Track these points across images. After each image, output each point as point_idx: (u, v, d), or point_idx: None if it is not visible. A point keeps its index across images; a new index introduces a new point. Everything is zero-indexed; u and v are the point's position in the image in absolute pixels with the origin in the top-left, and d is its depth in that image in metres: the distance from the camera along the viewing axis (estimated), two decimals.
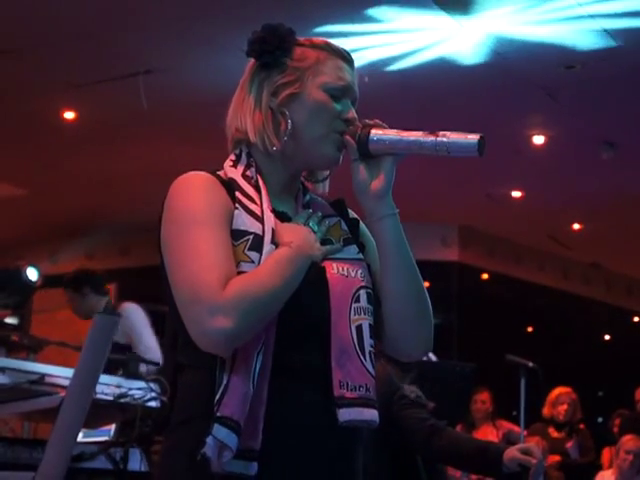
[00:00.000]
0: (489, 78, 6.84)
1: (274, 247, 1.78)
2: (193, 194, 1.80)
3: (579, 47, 6.31)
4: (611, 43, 6.21)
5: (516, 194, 9.67)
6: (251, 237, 1.77)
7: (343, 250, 1.88)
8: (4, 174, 9.36)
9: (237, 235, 1.77)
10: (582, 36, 6.16)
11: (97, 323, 3.12)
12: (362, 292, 1.84)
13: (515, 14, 5.89)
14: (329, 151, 1.89)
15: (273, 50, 1.87)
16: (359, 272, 1.86)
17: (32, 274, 4.62)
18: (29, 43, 6.42)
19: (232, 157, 1.90)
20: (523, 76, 6.81)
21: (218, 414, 1.68)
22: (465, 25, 5.99)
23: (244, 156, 1.90)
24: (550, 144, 8.11)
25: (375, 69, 6.55)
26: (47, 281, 6.64)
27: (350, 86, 1.91)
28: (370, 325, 1.83)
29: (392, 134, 1.85)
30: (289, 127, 1.86)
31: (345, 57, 1.93)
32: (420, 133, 1.83)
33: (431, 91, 6.98)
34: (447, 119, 7.43)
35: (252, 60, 1.92)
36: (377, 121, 1.88)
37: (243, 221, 1.79)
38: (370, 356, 1.81)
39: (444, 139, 1.81)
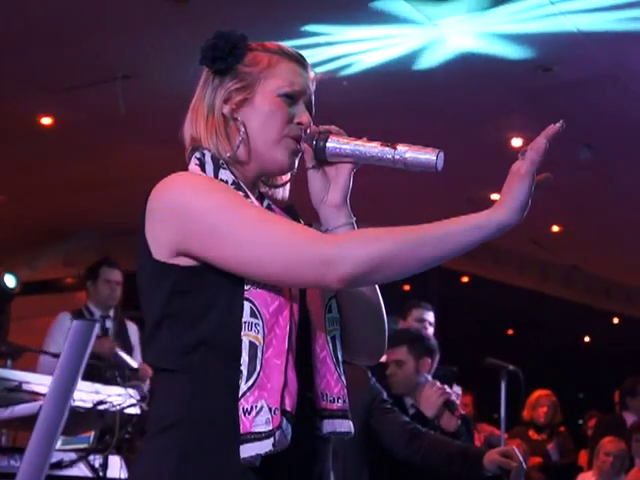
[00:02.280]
0: (466, 81, 6.84)
1: None
2: (209, 185, 1.78)
3: (555, 49, 6.33)
4: (587, 46, 6.22)
5: (495, 197, 9.64)
6: None
7: None
8: None
9: None
10: (558, 38, 6.17)
11: (75, 330, 3.10)
12: (333, 302, 1.85)
13: (491, 16, 5.89)
14: (282, 157, 1.87)
15: (225, 56, 1.86)
16: None
17: (10, 281, 4.61)
18: (3, 47, 6.38)
19: (195, 162, 1.86)
20: (500, 79, 6.82)
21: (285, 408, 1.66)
22: (442, 27, 6.00)
23: (209, 159, 1.86)
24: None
25: (351, 73, 6.56)
26: (25, 288, 6.60)
27: (304, 90, 1.90)
28: (340, 335, 1.84)
29: (350, 142, 1.84)
30: (241, 133, 1.85)
31: (299, 60, 1.92)
32: (379, 144, 1.82)
33: (408, 94, 6.99)
34: (424, 122, 7.45)
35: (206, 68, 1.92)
36: (334, 127, 1.87)
37: None
38: (342, 366, 1.83)
39: (402, 154, 1.80)
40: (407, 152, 1.79)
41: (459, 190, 9.33)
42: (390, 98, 6.98)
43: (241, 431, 1.66)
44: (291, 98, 1.88)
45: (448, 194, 9.48)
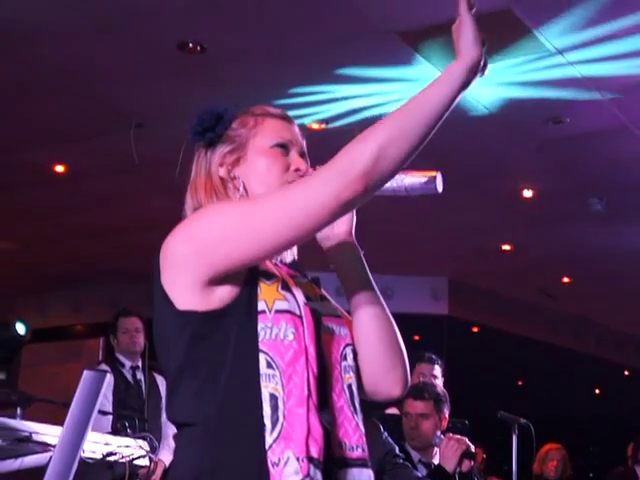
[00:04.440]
0: (477, 132, 6.87)
1: (301, 291, 1.80)
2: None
3: (566, 100, 6.35)
4: (597, 97, 6.25)
5: (505, 247, 9.69)
6: (280, 279, 1.79)
7: (323, 307, 1.89)
8: None
9: (268, 275, 1.79)
10: (569, 89, 6.20)
11: (86, 379, 3.09)
12: (348, 350, 1.86)
13: (502, 68, 5.93)
14: None
15: (213, 126, 1.93)
16: (342, 329, 1.88)
17: (20, 329, 4.60)
18: (17, 96, 6.43)
19: None
20: (512, 130, 6.85)
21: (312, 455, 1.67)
22: None
23: None
24: (539, 198, 8.14)
25: (366, 119, 6.58)
26: (36, 335, 6.59)
27: (295, 140, 1.95)
28: (357, 383, 1.86)
29: None
30: (240, 189, 1.89)
31: (283, 117, 1.97)
32: None
33: (423, 147, 7.01)
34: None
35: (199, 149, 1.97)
36: None
37: (267, 265, 1.82)
38: (361, 415, 1.83)
39: (402, 180, 1.82)
40: (406, 178, 1.83)
41: (470, 239, 9.34)
42: None
43: None
44: (284, 148, 1.92)
45: (458, 243, 9.49)
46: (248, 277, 1.77)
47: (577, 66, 5.86)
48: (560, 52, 5.68)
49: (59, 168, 7.73)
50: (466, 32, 1.73)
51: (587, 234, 9.02)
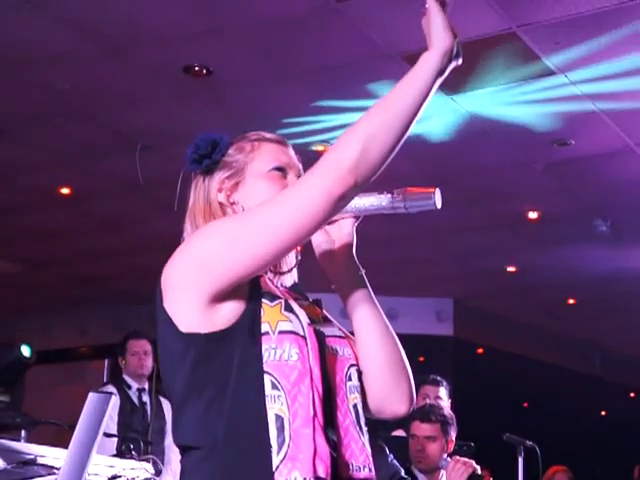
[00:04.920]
0: (483, 153, 6.88)
1: (304, 313, 1.80)
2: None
3: (571, 123, 6.36)
4: (602, 119, 6.26)
5: (511, 269, 9.68)
6: (282, 301, 1.79)
7: (327, 328, 1.89)
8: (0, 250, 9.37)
9: (271, 297, 1.79)
10: (574, 111, 6.21)
11: (91, 401, 3.08)
12: (352, 370, 1.87)
13: (509, 91, 5.94)
14: None
15: (209, 153, 1.94)
16: (345, 350, 1.88)
17: (25, 351, 4.60)
18: (24, 121, 6.46)
19: None
20: (517, 152, 6.86)
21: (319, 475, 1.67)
22: (460, 102, 6.05)
23: None
24: (544, 219, 8.14)
25: None
26: (41, 356, 6.58)
27: (292, 163, 1.96)
28: (362, 403, 1.86)
29: None
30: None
31: (279, 141, 1.99)
32: (375, 193, 1.88)
33: (424, 166, 7.02)
34: (443, 195, 7.46)
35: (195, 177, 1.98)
36: None
37: (269, 287, 1.83)
38: (367, 435, 1.84)
39: (400, 197, 1.84)
40: (405, 195, 1.84)
41: (475, 260, 9.34)
42: (407, 170, 7.02)
43: None
44: (282, 171, 1.94)
45: (463, 264, 9.48)
46: (251, 299, 1.77)
47: (581, 88, 5.87)
48: (564, 74, 5.70)
49: (65, 190, 7.75)
50: (435, 21, 1.75)
51: (592, 255, 9.01)
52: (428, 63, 1.74)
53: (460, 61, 1.77)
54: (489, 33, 5.26)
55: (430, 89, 1.73)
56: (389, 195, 1.86)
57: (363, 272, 1.94)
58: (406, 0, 4.79)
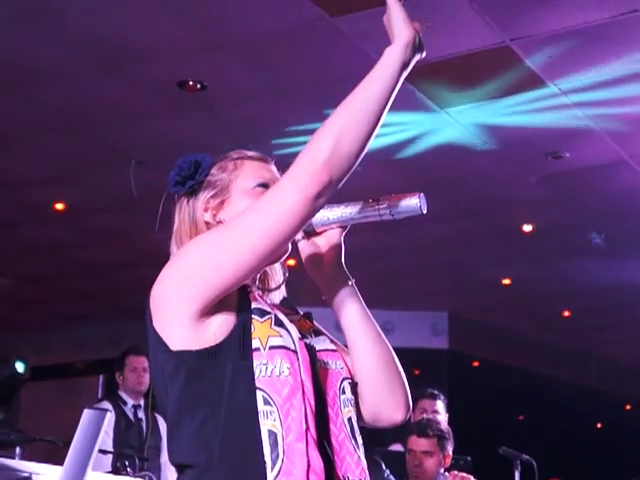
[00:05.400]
0: (478, 167, 6.89)
1: (295, 327, 1.80)
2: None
3: (565, 136, 6.37)
4: (596, 131, 6.27)
5: (506, 281, 9.68)
6: (272, 316, 1.79)
7: (318, 342, 1.89)
8: None
9: (261, 313, 1.79)
10: (568, 125, 6.22)
11: (86, 418, 3.08)
12: (345, 383, 1.86)
13: (502, 104, 5.95)
14: None
15: (192, 174, 1.95)
16: (338, 363, 1.88)
17: (20, 367, 4.58)
18: (18, 135, 6.46)
19: None
20: (511, 165, 6.86)
21: None
22: (454, 114, 6.06)
23: None
24: (539, 232, 8.14)
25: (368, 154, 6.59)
26: (36, 372, 6.56)
27: (274, 178, 1.95)
28: (357, 416, 1.86)
29: (334, 209, 1.90)
30: None
31: (260, 158, 2.00)
32: (361, 202, 1.89)
33: (419, 180, 7.02)
34: (436, 205, 7.47)
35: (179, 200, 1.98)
36: None
37: (258, 302, 1.82)
38: (362, 448, 1.83)
39: (386, 204, 1.86)
40: (391, 202, 1.86)
41: (470, 273, 9.34)
42: (400, 183, 7.03)
43: None
44: (266, 187, 1.92)
45: (458, 277, 9.48)
46: (240, 314, 1.77)
47: (575, 100, 5.89)
48: (558, 87, 5.71)
49: (59, 206, 7.74)
50: (395, 15, 1.79)
51: (587, 268, 9.02)
52: (392, 56, 1.76)
53: (424, 54, 1.80)
54: (483, 47, 5.27)
55: (396, 81, 1.75)
56: (375, 203, 1.87)
57: (353, 282, 1.94)
58: None
